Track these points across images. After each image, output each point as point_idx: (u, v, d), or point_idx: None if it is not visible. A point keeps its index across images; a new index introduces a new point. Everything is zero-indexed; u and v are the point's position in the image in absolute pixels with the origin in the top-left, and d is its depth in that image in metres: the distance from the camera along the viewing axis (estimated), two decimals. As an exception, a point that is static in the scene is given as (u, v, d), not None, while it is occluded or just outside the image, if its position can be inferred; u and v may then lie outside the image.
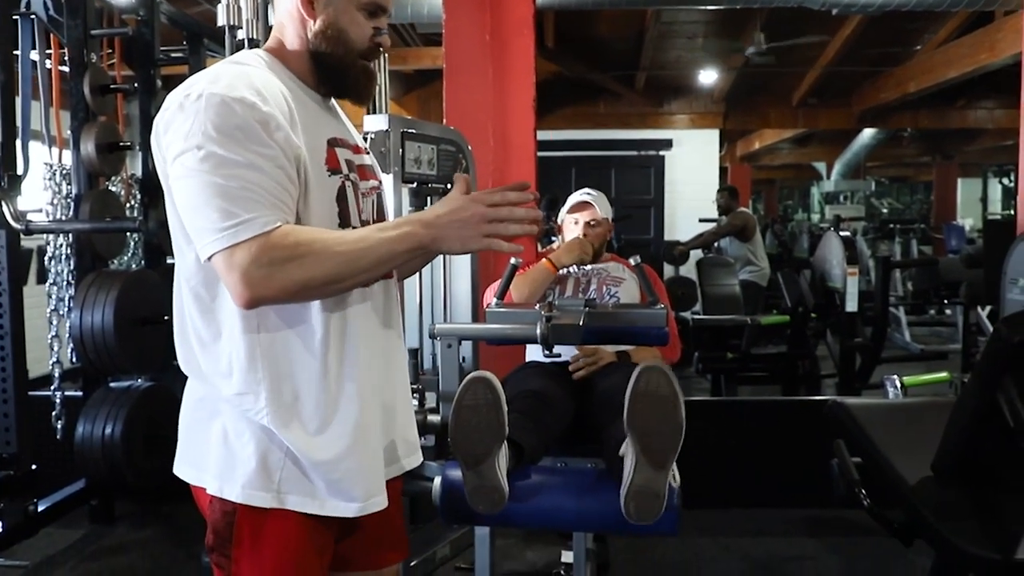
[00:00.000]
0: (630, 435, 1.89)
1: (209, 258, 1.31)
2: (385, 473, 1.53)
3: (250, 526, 1.41)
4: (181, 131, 1.32)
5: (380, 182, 1.62)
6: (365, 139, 2.76)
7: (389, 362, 1.57)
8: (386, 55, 3.36)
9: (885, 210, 18.08)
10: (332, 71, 1.50)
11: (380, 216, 1.59)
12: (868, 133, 13.42)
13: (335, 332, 1.44)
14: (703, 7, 7.01)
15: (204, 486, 1.43)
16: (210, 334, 1.42)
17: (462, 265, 3.27)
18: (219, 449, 1.41)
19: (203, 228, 1.30)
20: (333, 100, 1.59)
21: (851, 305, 5.36)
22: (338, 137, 1.50)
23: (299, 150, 1.38)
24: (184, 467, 1.48)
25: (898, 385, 2.88)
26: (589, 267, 3.04)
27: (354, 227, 1.48)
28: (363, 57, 1.52)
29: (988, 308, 6.43)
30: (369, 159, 1.61)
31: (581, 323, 2.25)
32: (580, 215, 3.09)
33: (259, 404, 1.39)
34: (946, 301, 8.28)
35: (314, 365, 1.42)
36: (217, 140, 1.30)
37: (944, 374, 3.29)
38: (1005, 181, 18.36)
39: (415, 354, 3.01)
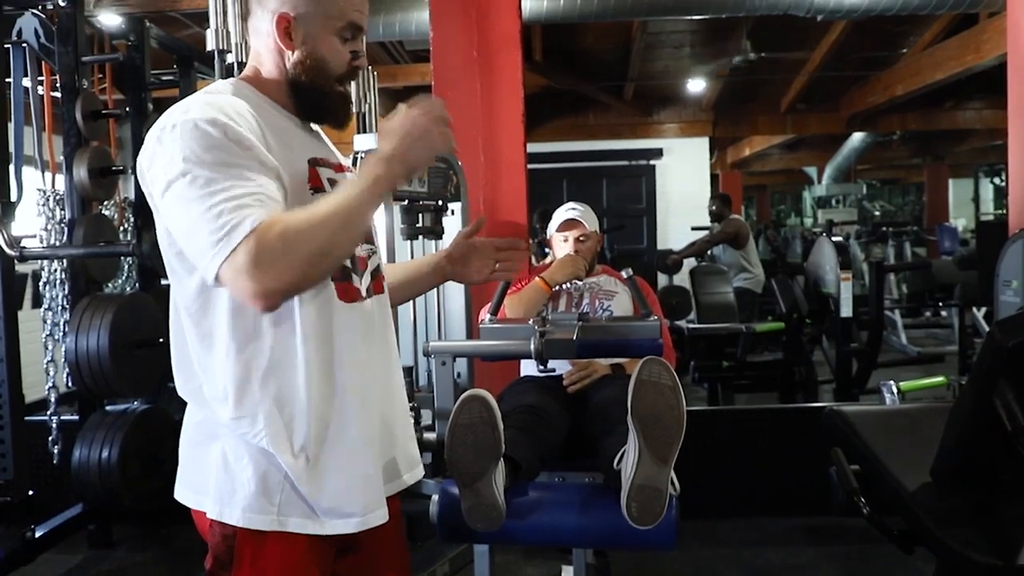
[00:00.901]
0: (633, 426, 1.88)
1: (216, 277, 1.30)
2: (387, 489, 1.54)
3: (250, 549, 1.41)
4: (163, 162, 1.34)
5: None
6: (355, 159, 2.77)
7: (387, 379, 1.58)
8: (375, 73, 3.38)
9: (877, 213, 18.11)
10: (310, 98, 1.52)
11: (368, 232, 1.60)
12: (858, 137, 13.45)
13: (330, 352, 1.45)
14: (689, 17, 7.03)
15: (204, 510, 1.44)
16: (207, 359, 1.43)
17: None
18: (219, 473, 1.42)
19: (201, 248, 1.30)
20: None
21: (846, 310, 5.35)
22: (319, 157, 1.52)
23: (275, 165, 1.39)
24: (184, 491, 1.49)
25: (895, 391, 2.88)
26: (581, 281, 3.04)
27: None
28: (340, 82, 1.54)
29: (984, 309, 6.43)
30: (352, 178, 1.61)
31: (575, 337, 2.25)
32: (568, 233, 3.09)
33: (257, 427, 1.40)
34: (941, 304, 8.28)
35: (310, 386, 1.42)
36: (198, 162, 1.31)
37: (940, 378, 3.29)
38: (996, 181, 18.42)
39: (410, 372, 3.01)
